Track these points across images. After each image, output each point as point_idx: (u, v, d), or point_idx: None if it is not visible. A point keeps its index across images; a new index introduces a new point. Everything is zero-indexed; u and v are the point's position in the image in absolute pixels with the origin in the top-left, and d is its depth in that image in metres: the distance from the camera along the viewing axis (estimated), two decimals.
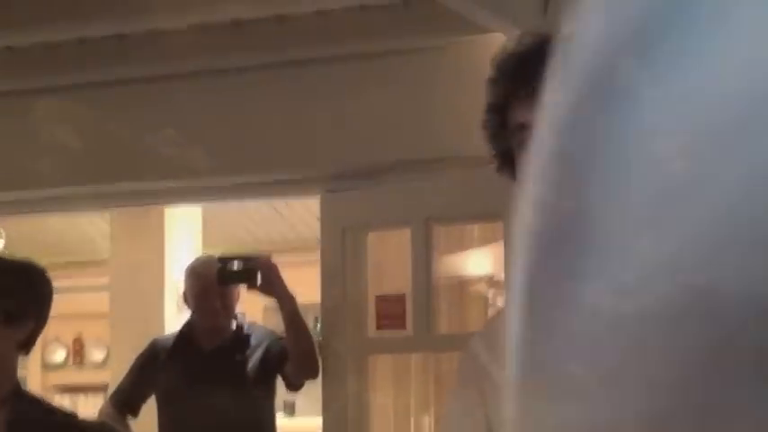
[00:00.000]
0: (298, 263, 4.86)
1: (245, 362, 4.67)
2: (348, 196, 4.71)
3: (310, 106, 4.77)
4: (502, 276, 4.43)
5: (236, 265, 4.53)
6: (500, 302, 4.70)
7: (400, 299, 4.70)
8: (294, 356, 4.56)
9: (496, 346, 1.64)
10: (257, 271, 4.52)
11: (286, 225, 8.75)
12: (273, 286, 4.54)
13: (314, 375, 4.64)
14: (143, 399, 4.81)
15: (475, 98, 4.46)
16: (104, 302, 7.32)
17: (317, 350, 4.60)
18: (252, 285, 4.54)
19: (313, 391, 4.94)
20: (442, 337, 4.71)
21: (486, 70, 4.55)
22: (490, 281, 5.57)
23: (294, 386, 4.69)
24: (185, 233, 6.85)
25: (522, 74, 1.54)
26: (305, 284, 4.66)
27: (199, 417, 4.64)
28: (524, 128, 1.54)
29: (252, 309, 5.61)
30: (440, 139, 4.56)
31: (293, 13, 4.58)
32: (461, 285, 5.32)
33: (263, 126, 4.84)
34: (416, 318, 4.52)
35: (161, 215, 6.81)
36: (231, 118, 4.90)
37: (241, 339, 4.72)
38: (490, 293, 5.59)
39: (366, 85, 4.69)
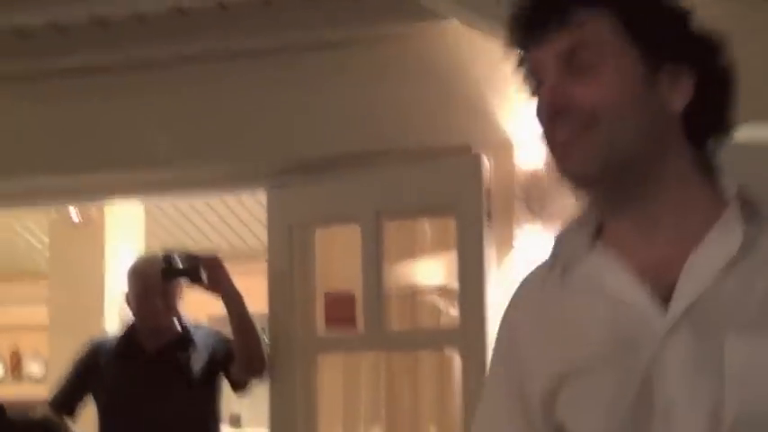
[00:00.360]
0: (245, 271, 4.78)
1: (189, 363, 4.59)
2: (295, 192, 4.63)
3: (255, 100, 4.68)
4: (454, 285, 4.38)
5: (180, 262, 4.44)
6: (452, 312, 4.65)
7: (350, 297, 4.63)
8: (240, 355, 4.49)
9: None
10: (203, 268, 4.44)
11: (233, 233, 8.66)
12: (219, 283, 4.47)
13: (260, 375, 4.56)
14: (82, 401, 4.73)
15: (424, 88, 4.47)
16: (43, 314, 7.23)
17: (265, 349, 4.52)
18: (196, 281, 4.45)
19: (259, 403, 4.85)
20: (394, 336, 4.64)
21: (437, 60, 4.56)
22: (442, 290, 5.53)
23: (240, 386, 4.60)
24: (127, 243, 6.77)
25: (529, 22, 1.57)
26: (253, 294, 4.56)
27: (142, 420, 4.56)
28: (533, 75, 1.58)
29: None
30: (389, 131, 4.50)
31: (238, 2, 4.49)
32: (413, 286, 5.27)
33: (208, 120, 4.74)
34: (367, 316, 4.45)
35: (101, 226, 6.73)
36: (175, 111, 4.80)
37: (185, 340, 4.65)
38: (441, 304, 5.55)
39: (313, 77, 4.61)
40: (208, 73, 4.75)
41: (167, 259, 4.45)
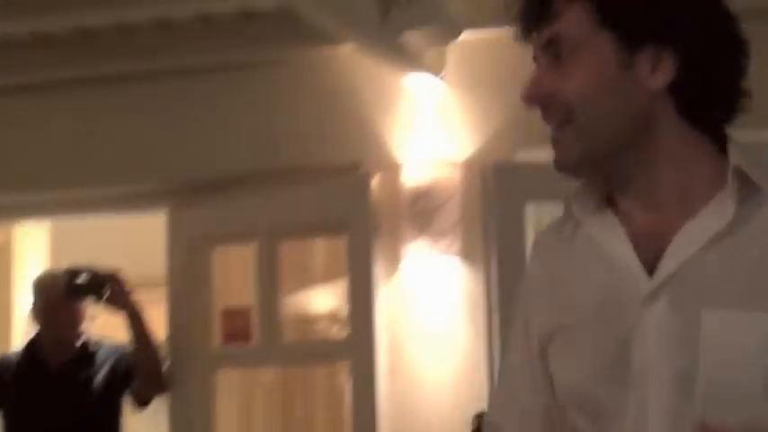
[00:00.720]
0: (148, 300, 4.81)
1: (90, 379, 4.61)
2: (193, 211, 4.71)
3: (154, 119, 4.78)
4: (345, 312, 4.48)
5: (84, 278, 4.48)
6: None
7: (246, 312, 4.72)
8: (141, 372, 4.53)
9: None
10: (105, 284, 4.49)
11: (136, 260, 8.64)
12: (122, 300, 4.50)
13: (161, 391, 4.61)
14: None
15: (316, 110, 4.59)
16: None
17: (165, 365, 4.58)
18: (100, 299, 4.49)
19: (159, 420, 4.91)
20: (289, 350, 4.74)
21: (328, 82, 4.67)
22: (334, 316, 5.63)
23: (141, 402, 4.63)
24: (34, 263, 6.74)
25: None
26: (155, 322, 4.62)
27: None
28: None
29: None
30: (283, 151, 4.61)
31: (135, 24, 4.59)
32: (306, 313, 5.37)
33: (108, 139, 4.82)
34: (263, 330, 4.54)
35: (8, 246, 6.69)
36: (75, 130, 4.88)
37: (87, 355, 4.65)
38: (335, 329, 5.64)
39: (209, 98, 4.72)
40: (107, 94, 4.84)
41: (71, 275, 4.48)
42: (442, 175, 4.35)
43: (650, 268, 1.52)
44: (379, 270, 4.35)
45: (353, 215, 4.31)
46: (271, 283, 4.50)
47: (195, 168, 4.75)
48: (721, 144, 1.57)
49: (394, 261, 4.39)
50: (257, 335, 4.57)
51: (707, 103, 1.55)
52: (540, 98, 1.57)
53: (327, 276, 5.49)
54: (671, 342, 1.48)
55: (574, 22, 1.54)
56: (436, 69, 4.44)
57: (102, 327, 4.76)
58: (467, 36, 4.33)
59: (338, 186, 4.37)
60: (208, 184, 4.74)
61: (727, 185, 1.50)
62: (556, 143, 1.57)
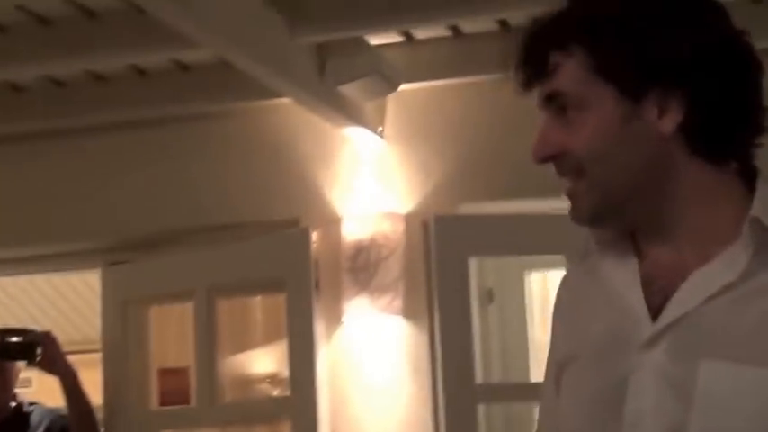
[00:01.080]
0: (82, 363, 4.71)
1: None
2: (128, 269, 4.63)
3: (88, 176, 4.71)
4: (285, 374, 4.41)
5: (14, 339, 4.38)
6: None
7: (184, 372, 4.64)
8: None
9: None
10: (37, 345, 4.39)
11: (70, 324, 8.56)
12: (55, 362, 4.41)
13: None
14: None
15: (254, 164, 4.54)
16: None
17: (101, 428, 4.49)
18: (32, 361, 4.39)
19: None
20: (229, 410, 4.64)
21: (267, 136, 4.64)
22: (273, 378, 5.57)
23: None
24: None
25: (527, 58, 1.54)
26: (91, 387, 4.52)
27: None
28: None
29: None
30: (220, 207, 4.55)
31: (67, 77, 4.52)
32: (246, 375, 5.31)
33: (41, 197, 4.74)
34: (201, 390, 4.45)
35: None
36: (7, 188, 4.80)
37: (22, 417, 4.55)
38: (275, 392, 5.58)
39: (145, 152, 4.66)
40: (41, 150, 4.76)
41: (1, 336, 4.38)
42: (382, 229, 4.31)
43: (658, 310, 1.48)
44: (319, 327, 4.28)
45: (293, 271, 4.24)
46: (209, 342, 4.41)
47: (129, 226, 4.68)
48: (750, 177, 1.52)
49: (335, 318, 4.34)
50: (196, 395, 4.48)
51: (722, 134, 1.50)
52: (549, 155, 1.53)
53: (268, 335, 5.43)
54: (667, 391, 1.44)
55: (571, 77, 1.50)
56: (376, 122, 4.41)
57: (37, 391, 4.68)
58: (406, 89, 4.30)
59: (277, 242, 4.30)
60: (143, 242, 4.68)
61: (743, 232, 1.45)
62: (571, 196, 1.54)
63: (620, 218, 1.54)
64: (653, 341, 1.46)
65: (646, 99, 1.47)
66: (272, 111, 4.52)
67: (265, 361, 5.47)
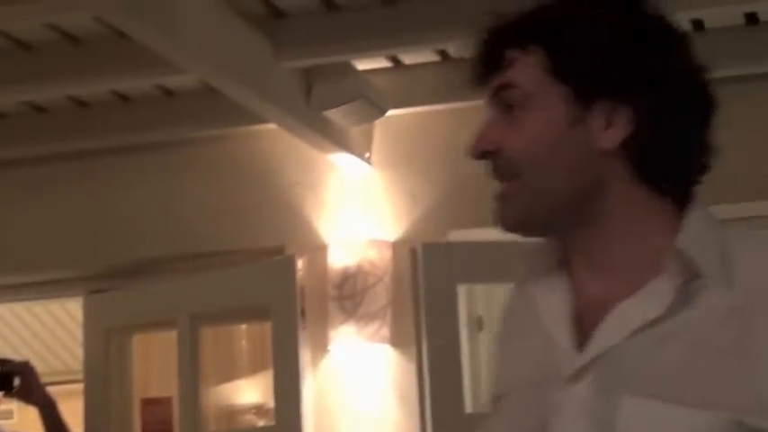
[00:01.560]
0: (64, 393, 4.64)
1: None
2: (111, 297, 4.56)
3: (70, 203, 4.64)
4: (271, 404, 4.35)
5: None
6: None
7: (167, 402, 4.58)
8: None
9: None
10: (15, 376, 4.31)
11: (51, 354, 8.50)
12: (33, 392, 4.33)
13: None
14: None
15: (239, 191, 4.48)
16: None
17: None
18: (9, 391, 4.31)
19: None
20: None
21: (252, 162, 4.59)
22: (258, 409, 5.52)
23: None
24: None
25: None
26: (73, 418, 4.44)
27: None
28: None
29: None
30: (205, 234, 4.50)
31: (49, 102, 4.45)
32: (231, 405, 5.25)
33: (22, 225, 4.67)
34: (183, 422, 4.38)
35: None
36: None
37: None
38: (261, 423, 5.53)
39: (128, 178, 4.60)
40: (22, 177, 4.70)
41: None
42: (369, 256, 4.25)
43: (581, 344, 1.44)
44: (305, 356, 4.22)
45: (278, 300, 4.18)
46: (193, 372, 4.34)
47: (112, 253, 4.62)
48: (686, 203, 1.48)
49: (321, 347, 4.28)
50: (179, 426, 4.41)
51: (665, 163, 1.46)
52: (487, 151, 1.48)
53: (253, 364, 5.37)
54: (589, 427, 1.39)
55: (526, 72, 1.46)
56: (363, 148, 4.36)
57: (19, 422, 4.61)
58: (393, 114, 4.25)
59: (262, 270, 4.25)
60: (125, 270, 4.62)
61: (669, 264, 1.40)
62: (500, 199, 1.49)
63: (546, 229, 1.50)
64: (576, 376, 1.42)
65: (595, 107, 1.43)
66: (258, 136, 4.47)
67: (250, 391, 5.41)
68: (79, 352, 4.63)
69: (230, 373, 5.36)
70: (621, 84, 1.44)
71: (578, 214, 1.46)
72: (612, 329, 1.41)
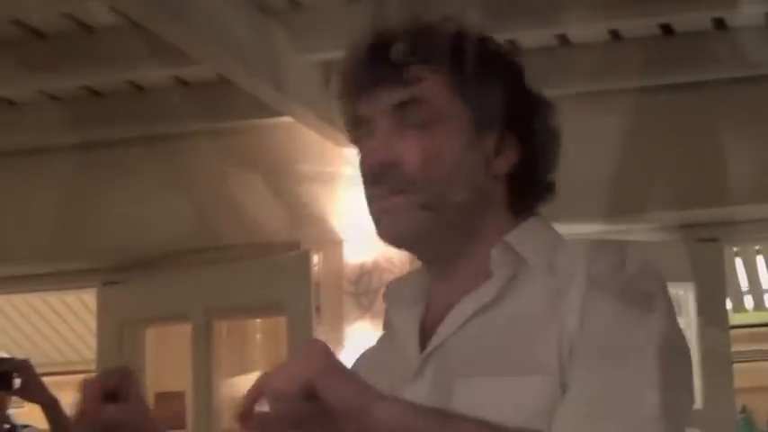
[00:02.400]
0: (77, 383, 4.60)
1: None
2: (125, 289, 4.54)
3: (85, 194, 4.60)
4: None
5: None
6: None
7: (180, 396, 4.55)
8: None
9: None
10: (14, 374, 4.26)
11: (65, 344, 8.51)
12: (33, 390, 4.29)
13: None
14: None
15: (255, 185, 4.43)
16: None
17: None
18: (9, 390, 4.27)
19: None
20: None
21: (267, 156, 4.53)
22: None
23: None
24: None
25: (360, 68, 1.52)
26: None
27: None
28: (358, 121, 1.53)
29: None
30: (220, 228, 4.45)
31: (66, 93, 4.42)
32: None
33: (37, 216, 4.63)
34: (196, 416, 4.36)
35: None
36: (2, 206, 4.69)
37: None
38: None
39: (143, 170, 4.55)
40: (36, 167, 4.67)
41: None
42: (386, 252, 4.21)
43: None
44: None
45: (293, 295, 4.15)
46: (206, 366, 4.32)
47: (127, 246, 4.58)
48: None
49: (336, 344, 4.24)
50: (191, 420, 4.38)
51: (537, 190, 1.56)
52: (385, 163, 1.47)
53: (269, 356, 5.33)
54: None
55: (435, 90, 1.49)
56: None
57: (31, 411, 4.60)
58: None
59: (277, 265, 4.21)
60: (140, 262, 4.58)
61: (492, 257, 1.49)
62: (390, 212, 1.48)
63: (429, 247, 1.53)
64: (417, 374, 1.47)
65: (491, 133, 1.51)
66: (274, 129, 4.42)
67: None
68: (93, 342, 4.60)
69: (244, 365, 5.32)
70: (508, 116, 1.51)
71: (462, 232, 1.51)
72: (450, 323, 1.48)
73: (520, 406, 1.38)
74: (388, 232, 1.49)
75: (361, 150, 1.52)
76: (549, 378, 1.39)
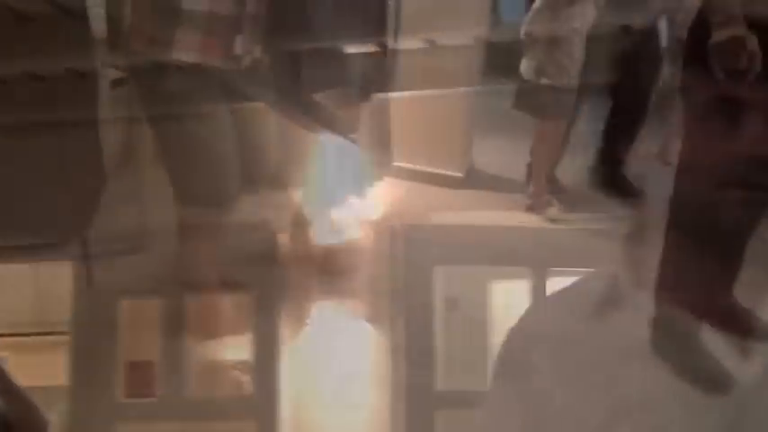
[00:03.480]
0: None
1: None
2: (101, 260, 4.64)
3: (55, 168, 4.65)
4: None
5: None
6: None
7: (150, 365, 4.65)
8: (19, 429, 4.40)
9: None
10: None
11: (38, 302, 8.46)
12: None
13: None
14: None
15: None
16: None
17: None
18: None
19: None
20: (192, 404, 4.67)
21: (239, 138, 4.53)
22: (244, 365, 5.56)
23: None
24: None
25: None
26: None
27: None
28: None
29: None
30: None
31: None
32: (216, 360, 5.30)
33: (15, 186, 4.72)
34: (166, 383, 4.47)
35: None
36: None
37: None
38: (244, 379, 5.57)
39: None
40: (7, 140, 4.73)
41: None
42: (352, 234, 4.34)
43: None
44: (284, 330, 4.31)
45: (260, 273, 4.27)
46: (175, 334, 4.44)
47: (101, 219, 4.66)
48: None
49: (300, 321, 4.36)
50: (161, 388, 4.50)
51: None
52: None
53: (238, 325, 5.42)
54: None
55: None
56: (350, 129, 4.44)
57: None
58: (381, 96, 4.34)
59: (245, 244, 4.33)
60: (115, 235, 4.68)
61: None
62: None
63: None
64: None
65: None
66: (245, 113, 4.53)
67: (234, 348, 5.44)
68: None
69: (214, 331, 5.40)
70: None
71: None
72: None
73: None
74: None
75: None
76: None
